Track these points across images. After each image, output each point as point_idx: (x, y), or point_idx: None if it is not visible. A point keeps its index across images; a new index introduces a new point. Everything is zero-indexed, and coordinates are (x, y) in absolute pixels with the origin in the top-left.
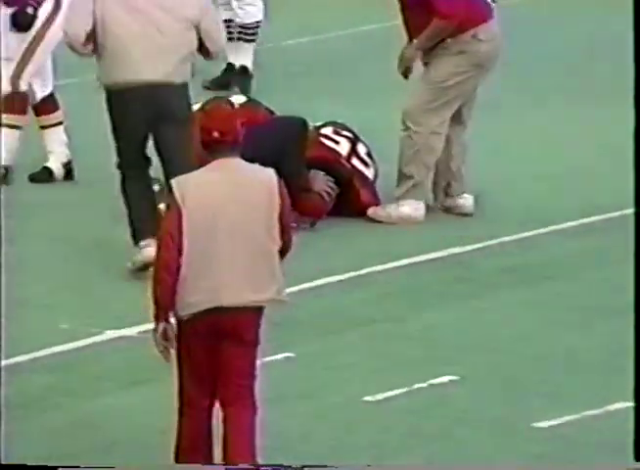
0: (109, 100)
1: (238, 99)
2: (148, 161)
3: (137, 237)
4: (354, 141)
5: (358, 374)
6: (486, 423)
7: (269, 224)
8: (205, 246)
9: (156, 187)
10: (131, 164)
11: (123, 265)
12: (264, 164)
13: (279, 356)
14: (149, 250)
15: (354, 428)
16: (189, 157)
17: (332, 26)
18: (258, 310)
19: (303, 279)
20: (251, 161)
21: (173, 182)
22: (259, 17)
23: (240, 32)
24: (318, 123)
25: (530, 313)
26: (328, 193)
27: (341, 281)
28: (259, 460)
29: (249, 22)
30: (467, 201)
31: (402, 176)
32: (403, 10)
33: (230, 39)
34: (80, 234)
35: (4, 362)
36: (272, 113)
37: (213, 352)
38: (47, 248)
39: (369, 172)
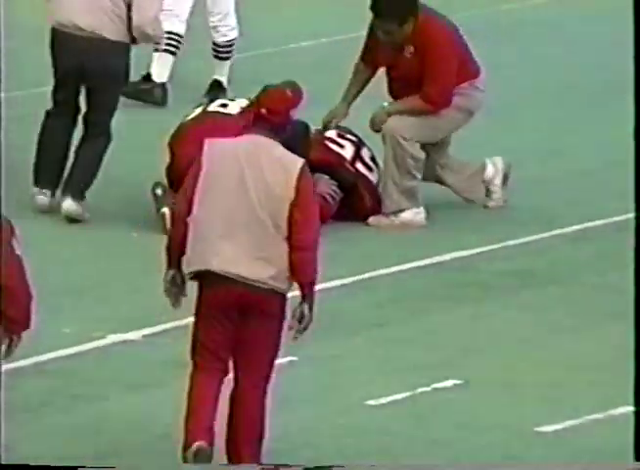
0: (51, 39)
1: (242, 102)
2: (77, 109)
3: (35, 180)
4: (359, 145)
5: (362, 378)
6: (490, 427)
7: (277, 210)
8: (211, 210)
9: (159, 191)
10: (57, 104)
11: (127, 269)
12: None
13: (282, 360)
14: (40, 199)
15: (358, 432)
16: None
17: (333, 30)
18: (272, 291)
19: None
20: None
21: (206, 142)
22: (233, 36)
23: (214, 49)
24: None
25: (534, 317)
26: (332, 196)
27: (344, 285)
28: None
29: (221, 40)
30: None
31: (396, 187)
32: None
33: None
34: (82, 238)
35: (7, 366)
36: None
37: (228, 322)
38: (49, 251)
39: (373, 177)
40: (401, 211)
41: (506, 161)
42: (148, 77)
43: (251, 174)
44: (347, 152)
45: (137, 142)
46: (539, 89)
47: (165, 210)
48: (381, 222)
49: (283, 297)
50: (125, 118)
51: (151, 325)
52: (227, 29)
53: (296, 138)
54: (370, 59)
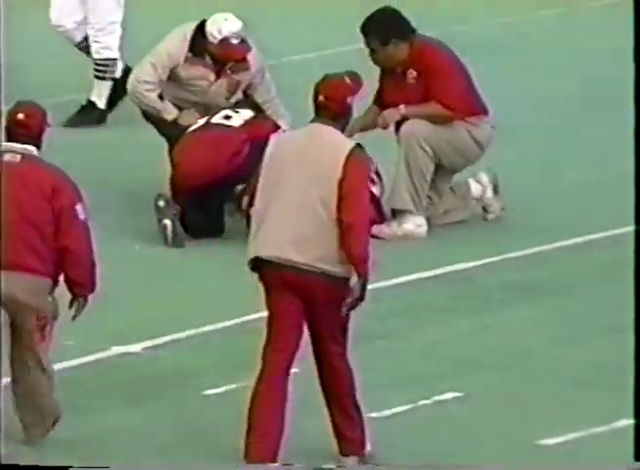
0: None
1: (245, 114)
2: None
3: None
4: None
5: (363, 390)
6: (491, 440)
7: (326, 193)
8: (268, 200)
9: (161, 203)
10: None
11: (128, 282)
12: None
13: None
14: None
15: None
16: None
17: (336, 42)
18: (328, 276)
19: None
20: (254, 174)
21: (271, 137)
22: (106, 55)
23: (95, 70)
24: None
25: (535, 330)
26: None
27: None
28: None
29: (96, 57)
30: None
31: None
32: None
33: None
34: None
35: (8, 379)
36: (278, 128)
37: (290, 305)
38: None
39: (376, 189)
40: (404, 211)
41: (490, 173)
42: (91, 105)
43: (303, 162)
44: None
45: (139, 157)
46: (540, 102)
47: (167, 221)
48: (382, 233)
49: (342, 280)
50: (126, 133)
51: (152, 338)
52: (100, 46)
53: None
54: (381, 100)
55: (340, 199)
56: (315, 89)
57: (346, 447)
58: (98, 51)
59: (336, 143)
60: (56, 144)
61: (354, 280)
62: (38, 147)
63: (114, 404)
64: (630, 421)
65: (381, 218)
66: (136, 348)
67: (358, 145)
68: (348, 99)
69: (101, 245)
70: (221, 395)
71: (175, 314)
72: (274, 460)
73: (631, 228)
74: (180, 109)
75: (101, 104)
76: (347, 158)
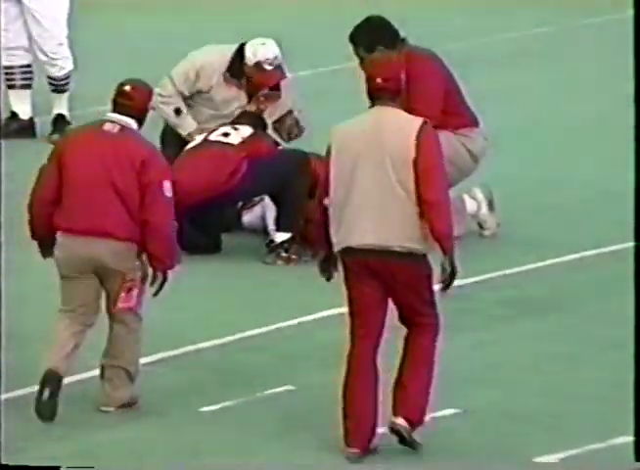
0: None
1: (244, 131)
2: None
3: None
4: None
5: None
6: (489, 457)
7: (404, 173)
8: (346, 189)
9: None
10: None
11: None
12: (265, 194)
13: (280, 389)
14: None
15: (358, 460)
16: None
17: (331, 60)
18: (413, 255)
19: (304, 311)
20: (253, 193)
21: (332, 128)
22: (69, 67)
23: (51, 84)
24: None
25: (533, 346)
26: None
27: (342, 314)
28: None
29: (59, 74)
30: None
31: None
32: None
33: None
34: None
35: (8, 395)
36: (277, 145)
37: (374, 289)
38: (48, 281)
39: None
40: None
41: (485, 189)
42: (14, 116)
43: (375, 146)
44: None
45: None
46: (537, 118)
47: None
48: None
49: (423, 257)
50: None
51: (148, 354)
52: (63, 61)
53: (294, 168)
54: None
55: (416, 177)
56: (368, 73)
57: (403, 403)
58: (62, 66)
59: (404, 123)
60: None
61: (444, 261)
62: (139, 122)
63: (112, 421)
64: (629, 438)
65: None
66: None
67: (425, 122)
68: (402, 75)
69: None
70: (218, 411)
71: (172, 331)
72: (369, 443)
73: (631, 244)
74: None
75: (68, 114)
76: (418, 136)
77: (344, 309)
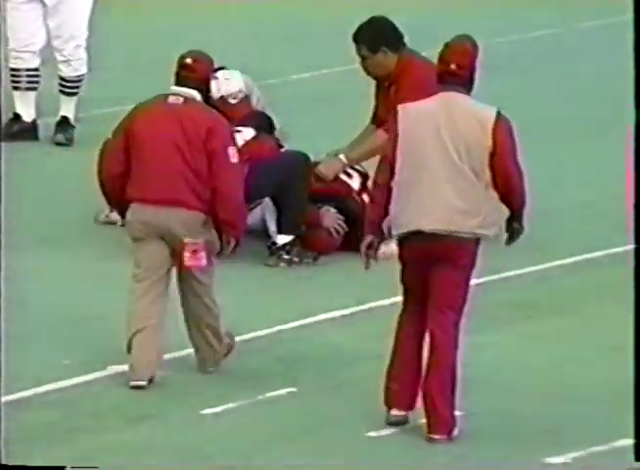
0: None
1: (247, 133)
2: None
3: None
4: (365, 176)
5: (362, 409)
6: (491, 459)
7: (477, 160)
8: (415, 171)
9: None
10: None
11: (125, 299)
12: (265, 197)
13: (281, 391)
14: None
15: (358, 464)
16: None
17: (333, 62)
18: (470, 239)
19: (306, 314)
20: (254, 195)
21: (399, 108)
22: (83, 70)
23: (62, 85)
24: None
25: (534, 348)
26: (337, 231)
27: (343, 316)
28: None
29: (72, 75)
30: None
31: None
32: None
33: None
34: (81, 270)
35: (7, 398)
36: (281, 147)
37: (427, 275)
38: (48, 284)
39: None
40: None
41: None
42: (17, 118)
43: (447, 130)
44: (355, 182)
45: None
46: (539, 121)
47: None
48: (382, 252)
49: (477, 244)
50: None
51: None
52: (78, 63)
53: (294, 170)
54: (377, 117)
55: (492, 166)
56: (442, 58)
57: (435, 425)
58: (77, 68)
59: (478, 111)
60: (52, 157)
61: (514, 223)
62: (202, 93)
63: (112, 424)
64: (630, 440)
65: (380, 238)
66: None
67: (500, 111)
68: (476, 63)
69: (99, 264)
70: (219, 414)
71: (174, 333)
72: (411, 407)
73: (630, 247)
74: None
75: (73, 118)
76: (494, 125)
77: (346, 312)
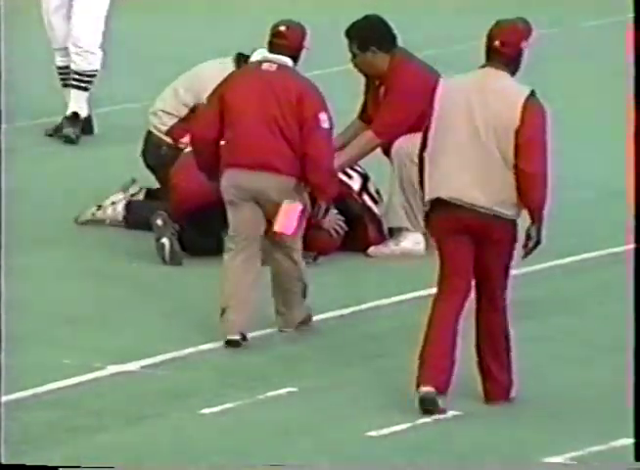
0: None
1: None
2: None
3: None
4: (366, 177)
5: (362, 409)
6: (491, 459)
7: (504, 139)
8: (443, 143)
9: (159, 221)
10: None
11: (126, 300)
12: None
13: (281, 391)
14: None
15: (358, 464)
16: None
17: (329, 62)
18: (499, 217)
19: None
20: None
21: (440, 82)
22: (97, 66)
23: (75, 79)
24: None
25: (533, 348)
26: (337, 232)
27: (343, 316)
28: None
29: (86, 69)
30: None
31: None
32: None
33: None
34: (80, 269)
35: (7, 398)
36: None
37: (463, 245)
38: (48, 283)
39: (377, 210)
40: (401, 229)
41: None
42: (75, 115)
43: (478, 106)
44: (355, 183)
45: (136, 173)
46: None
47: (165, 240)
48: (381, 252)
49: (512, 222)
50: (125, 150)
51: (150, 356)
52: (93, 57)
53: None
54: (365, 114)
55: (517, 147)
56: (489, 34)
57: (492, 390)
58: (91, 62)
59: (510, 90)
60: (52, 157)
61: (532, 228)
62: (294, 59)
63: (112, 424)
64: (629, 440)
65: (381, 238)
66: (134, 366)
67: (533, 92)
68: (523, 44)
69: (98, 263)
70: (218, 413)
71: (173, 333)
72: (444, 386)
73: (631, 246)
74: None
75: (84, 114)
76: (524, 106)
77: (345, 311)
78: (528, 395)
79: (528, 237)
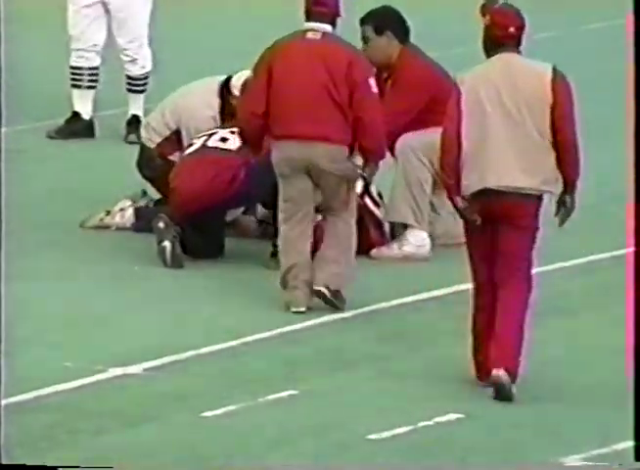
0: None
1: None
2: None
3: None
4: (367, 181)
5: (363, 412)
6: (492, 461)
7: (539, 117)
8: (480, 135)
9: (160, 224)
10: None
11: (128, 303)
12: (263, 200)
13: (283, 394)
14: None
15: (360, 466)
16: None
17: None
18: (531, 197)
19: (307, 316)
20: (253, 198)
21: (457, 81)
22: (148, 67)
23: (129, 84)
24: None
25: (535, 350)
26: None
27: (345, 318)
28: None
29: (139, 73)
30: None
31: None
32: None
33: (89, 87)
34: (82, 272)
35: (8, 401)
36: None
37: (492, 235)
38: (50, 285)
39: (379, 212)
40: (405, 232)
41: None
42: (76, 115)
43: (507, 90)
44: (357, 186)
45: (137, 175)
46: None
47: (166, 243)
48: (383, 254)
49: (538, 206)
50: (127, 153)
51: (151, 359)
52: (143, 61)
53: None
54: None
55: (553, 120)
56: (497, 23)
57: (498, 357)
58: (143, 65)
59: (537, 68)
60: (52, 157)
61: (566, 197)
62: (334, 26)
63: (114, 426)
64: (631, 443)
65: (382, 241)
66: (135, 369)
67: (555, 67)
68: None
69: (100, 266)
70: (220, 416)
71: (174, 335)
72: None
73: (631, 249)
74: None
75: (143, 115)
76: (553, 81)
77: (347, 314)
78: (529, 396)
79: (561, 205)
